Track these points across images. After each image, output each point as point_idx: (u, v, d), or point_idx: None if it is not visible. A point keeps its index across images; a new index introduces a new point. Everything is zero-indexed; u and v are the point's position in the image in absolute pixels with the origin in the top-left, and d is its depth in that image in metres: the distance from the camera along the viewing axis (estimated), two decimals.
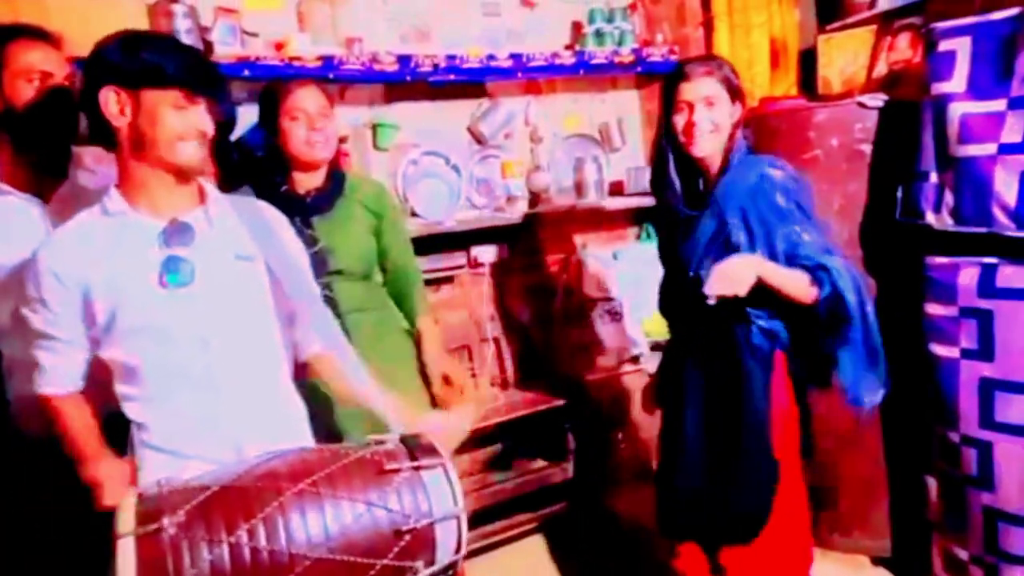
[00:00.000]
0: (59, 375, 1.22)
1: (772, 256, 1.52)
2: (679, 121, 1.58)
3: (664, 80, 1.67)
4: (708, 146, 1.58)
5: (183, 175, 1.17)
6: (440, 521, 1.04)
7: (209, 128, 1.16)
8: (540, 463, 2.54)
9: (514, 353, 2.76)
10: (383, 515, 1.02)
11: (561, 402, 2.55)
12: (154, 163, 1.14)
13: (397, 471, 1.05)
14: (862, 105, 2.02)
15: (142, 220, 1.16)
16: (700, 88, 1.56)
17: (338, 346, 1.27)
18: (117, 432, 1.24)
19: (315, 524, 1.00)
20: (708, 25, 2.76)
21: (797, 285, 1.49)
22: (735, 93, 1.60)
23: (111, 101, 1.11)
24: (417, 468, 1.06)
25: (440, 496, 1.05)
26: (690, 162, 1.62)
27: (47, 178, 1.44)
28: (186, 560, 0.93)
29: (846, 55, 2.51)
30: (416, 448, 1.09)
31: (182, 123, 1.13)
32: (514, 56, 2.56)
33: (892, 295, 1.99)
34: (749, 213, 1.55)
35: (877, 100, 2.01)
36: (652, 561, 2.24)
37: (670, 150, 1.63)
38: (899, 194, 1.93)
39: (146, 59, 1.10)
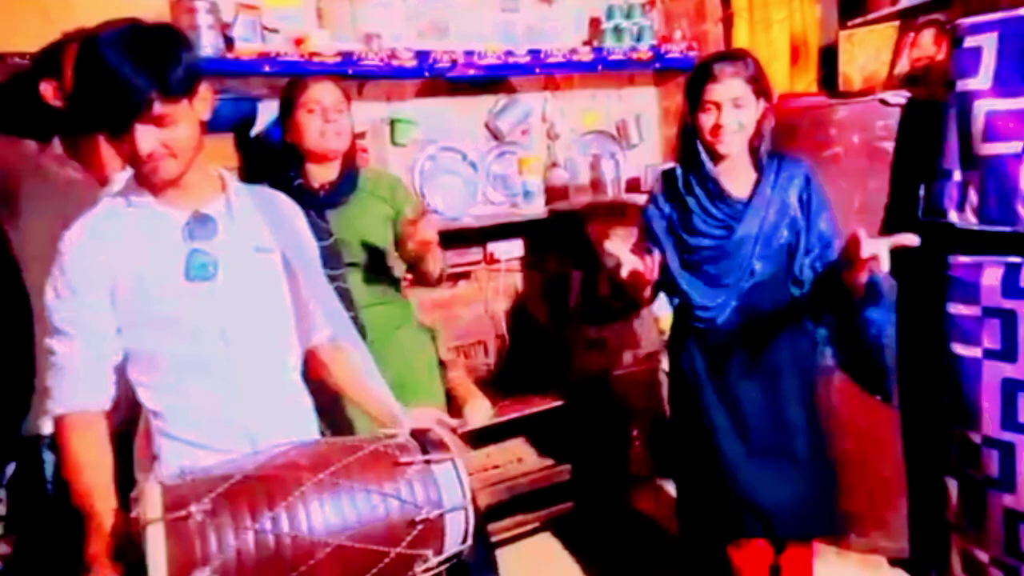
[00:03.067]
0: (80, 377, 1.13)
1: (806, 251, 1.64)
2: (706, 121, 1.61)
3: (689, 78, 1.67)
4: (735, 146, 1.61)
5: (159, 186, 1.14)
6: (449, 512, 1.08)
7: (154, 145, 1.07)
8: (543, 462, 2.53)
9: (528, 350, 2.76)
10: (396, 505, 1.06)
11: (560, 402, 2.51)
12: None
13: (410, 464, 1.09)
14: (884, 102, 2.00)
15: (165, 211, 1.16)
16: (728, 90, 1.57)
17: (349, 338, 1.29)
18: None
19: (334, 513, 1.03)
20: (727, 21, 2.74)
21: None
22: (761, 91, 1.63)
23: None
24: (428, 462, 1.10)
25: (450, 488, 1.09)
26: (712, 157, 1.65)
27: None
28: (213, 545, 0.95)
29: (868, 52, 2.48)
30: (427, 442, 1.13)
31: (127, 152, 1.09)
32: (532, 52, 2.55)
33: (914, 295, 1.97)
34: (797, 214, 1.64)
35: (899, 97, 1.99)
36: (666, 559, 2.25)
37: (700, 147, 1.64)
38: (921, 192, 1.91)
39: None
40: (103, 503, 1.09)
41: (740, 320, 1.65)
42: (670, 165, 1.76)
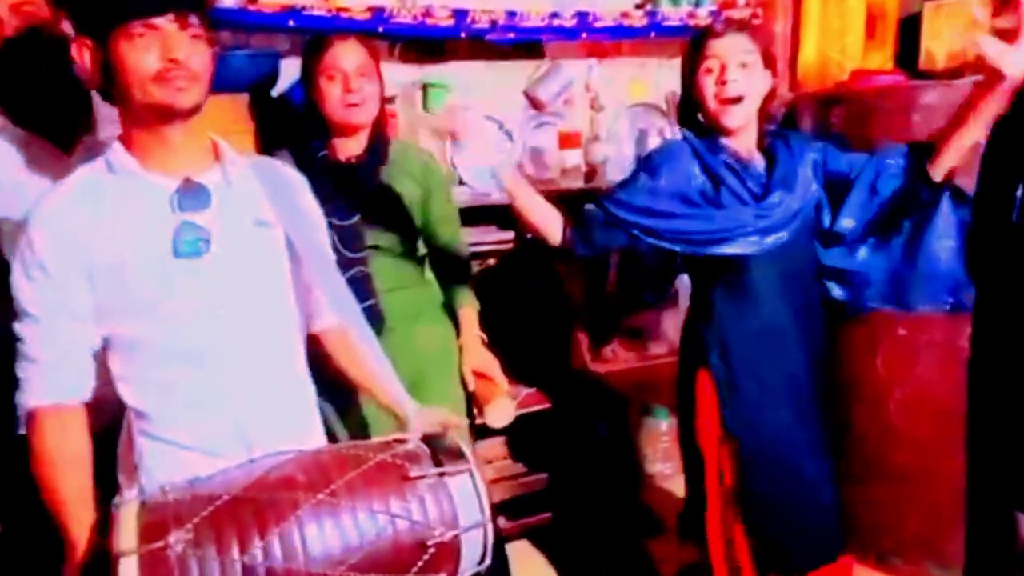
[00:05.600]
0: (54, 367, 1.01)
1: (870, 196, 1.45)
2: (708, 84, 1.40)
3: (688, 45, 1.47)
4: (741, 117, 1.41)
5: (171, 116, 1.00)
6: (466, 531, 0.97)
7: (185, 52, 0.96)
8: (520, 468, 2.35)
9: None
10: (406, 526, 0.95)
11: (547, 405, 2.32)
12: (138, 113, 0.99)
13: (421, 477, 0.97)
14: None
15: (152, 180, 1.02)
16: (733, 45, 1.40)
17: (356, 323, 1.15)
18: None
19: (335, 539, 0.92)
20: None
21: None
22: (768, 63, 1.44)
23: (84, 55, 0.98)
24: (442, 474, 0.98)
25: (466, 504, 0.97)
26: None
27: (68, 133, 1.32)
28: None
29: (955, 26, 2.22)
30: (440, 450, 1.01)
31: (146, 58, 0.95)
32: (579, 15, 2.34)
33: (997, 306, 1.76)
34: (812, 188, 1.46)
35: None
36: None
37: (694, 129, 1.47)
38: (1020, 192, 1.69)
39: None
40: (79, 516, 0.98)
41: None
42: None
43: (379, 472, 0.98)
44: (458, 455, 1.00)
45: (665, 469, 2.66)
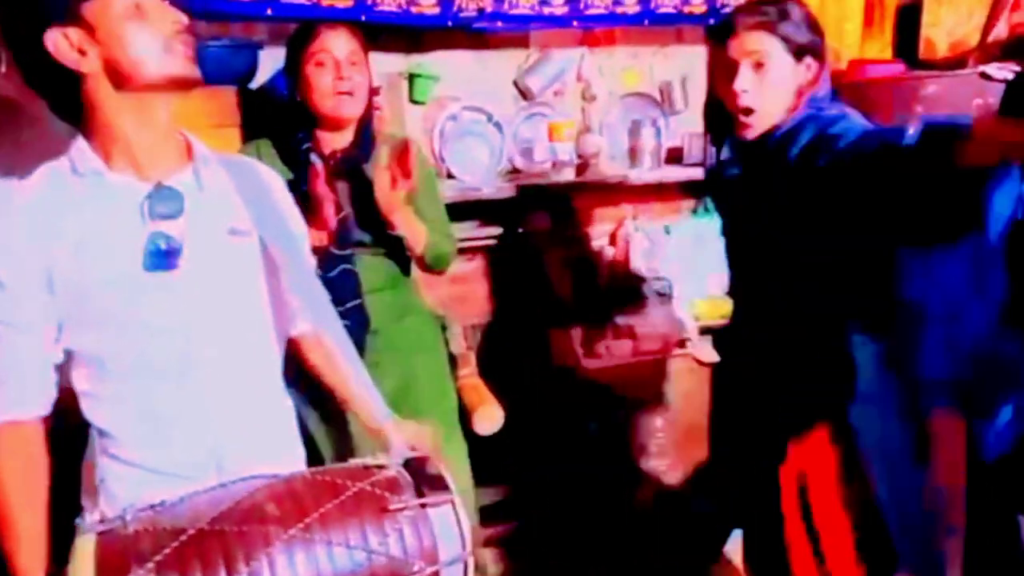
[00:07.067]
0: (11, 381, 0.96)
1: None
2: (725, 87, 1.29)
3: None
4: (756, 129, 1.29)
5: (182, 86, 0.97)
6: (445, 567, 0.92)
7: (181, 16, 0.94)
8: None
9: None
10: (384, 562, 0.90)
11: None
12: (145, 90, 0.94)
13: (401, 509, 0.92)
14: (986, 76, 1.71)
15: (121, 182, 0.96)
16: (746, 42, 1.25)
17: (333, 331, 1.09)
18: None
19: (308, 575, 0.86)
20: None
21: None
22: (805, 50, 1.28)
23: (62, 45, 0.90)
24: (423, 506, 0.93)
25: (447, 537, 0.92)
26: None
27: None
28: None
29: (958, 13, 2.16)
30: (422, 479, 0.95)
31: (151, 30, 0.91)
32: (570, 2, 2.26)
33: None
34: None
35: (1005, 71, 1.70)
36: None
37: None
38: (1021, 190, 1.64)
39: None
40: (29, 549, 0.93)
41: None
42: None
43: (356, 503, 0.93)
44: (440, 484, 0.95)
45: (661, 465, 2.62)
